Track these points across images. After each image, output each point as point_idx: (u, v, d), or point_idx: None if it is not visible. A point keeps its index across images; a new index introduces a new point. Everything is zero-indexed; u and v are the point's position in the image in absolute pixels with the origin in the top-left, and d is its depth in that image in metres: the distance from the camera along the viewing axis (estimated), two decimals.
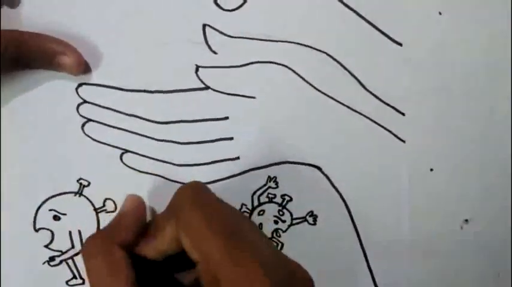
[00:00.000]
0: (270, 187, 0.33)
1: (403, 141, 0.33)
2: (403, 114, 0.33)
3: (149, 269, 0.26)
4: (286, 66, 0.32)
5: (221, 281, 0.23)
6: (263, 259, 0.23)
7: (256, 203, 0.33)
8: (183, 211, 0.25)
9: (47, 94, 0.31)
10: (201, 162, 0.32)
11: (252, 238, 0.25)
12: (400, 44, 0.32)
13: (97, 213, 0.32)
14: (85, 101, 0.32)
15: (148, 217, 0.31)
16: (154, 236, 0.26)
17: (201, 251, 0.24)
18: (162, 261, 0.26)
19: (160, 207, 0.31)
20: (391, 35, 0.32)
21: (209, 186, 0.31)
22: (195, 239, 0.24)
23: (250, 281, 0.23)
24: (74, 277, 0.32)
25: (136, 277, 0.25)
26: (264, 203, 0.33)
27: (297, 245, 0.33)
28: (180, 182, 0.32)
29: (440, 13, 0.32)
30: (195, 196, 0.25)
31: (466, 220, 0.33)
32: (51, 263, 0.32)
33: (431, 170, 0.33)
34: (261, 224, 0.33)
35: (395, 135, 0.33)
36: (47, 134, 0.31)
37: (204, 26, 0.32)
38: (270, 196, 0.33)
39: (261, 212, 0.33)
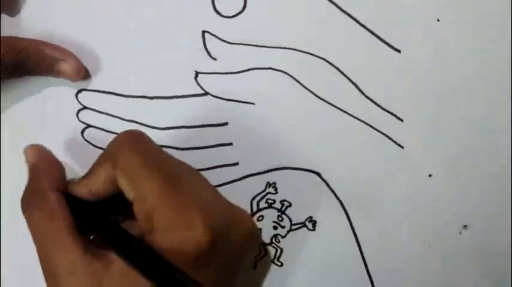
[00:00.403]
0: (269, 193, 0.33)
1: (402, 147, 0.33)
2: (401, 120, 0.33)
3: (89, 212, 0.26)
4: (285, 73, 0.32)
5: (155, 220, 0.23)
6: (200, 203, 0.24)
7: (255, 208, 0.33)
8: (121, 152, 0.25)
9: (47, 100, 0.32)
10: (200, 167, 0.32)
11: (192, 183, 0.25)
12: (399, 51, 0.32)
13: None
14: (85, 107, 0.32)
15: None
16: (89, 177, 0.26)
17: (137, 190, 0.24)
18: (102, 204, 0.26)
19: None
20: (390, 42, 0.32)
21: None
22: (132, 178, 0.24)
23: (186, 220, 0.23)
24: None
25: (77, 221, 0.25)
26: (263, 208, 0.33)
27: (296, 251, 0.33)
28: None
29: (438, 20, 0.32)
30: (134, 140, 0.26)
31: (465, 226, 0.33)
32: None
33: (430, 175, 0.33)
34: (260, 229, 0.33)
35: (394, 141, 0.33)
36: (47, 140, 0.31)
37: (204, 32, 0.32)
38: (269, 201, 0.33)
39: (260, 218, 0.33)
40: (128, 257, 0.24)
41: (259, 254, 0.33)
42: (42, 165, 0.28)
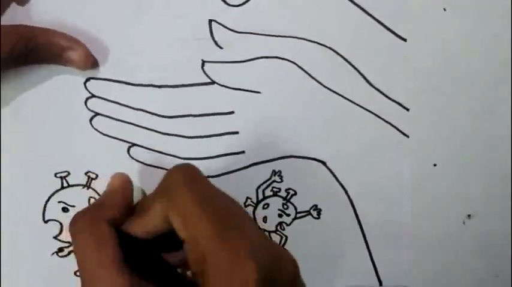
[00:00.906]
0: (274, 181, 0.33)
1: (407, 136, 0.33)
2: (407, 109, 0.33)
3: (138, 248, 0.26)
4: (291, 62, 0.32)
5: (207, 261, 0.23)
6: (251, 242, 0.24)
7: (261, 196, 0.33)
8: (174, 190, 0.25)
9: (56, 88, 0.32)
10: (207, 156, 0.33)
11: (241, 222, 0.25)
12: (405, 40, 0.32)
13: None
14: (93, 95, 0.32)
15: (139, 198, 0.32)
16: (144, 215, 0.26)
17: (190, 230, 0.24)
18: (150, 241, 0.26)
19: None
20: (396, 31, 0.32)
21: (215, 179, 0.32)
22: (185, 218, 0.24)
23: (237, 261, 0.23)
24: None
25: (124, 256, 0.25)
26: (269, 196, 0.33)
27: (300, 239, 0.33)
28: None
29: (444, 9, 0.32)
30: (187, 177, 0.26)
31: (469, 215, 0.33)
32: (60, 254, 0.32)
33: (435, 165, 0.33)
34: (265, 217, 0.33)
35: (400, 131, 0.33)
36: (56, 128, 0.32)
37: (210, 21, 0.32)
38: (274, 189, 0.33)
39: (266, 206, 0.33)
40: None
41: None
42: (116, 195, 0.28)
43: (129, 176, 0.30)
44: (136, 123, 0.32)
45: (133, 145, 0.32)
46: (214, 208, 0.24)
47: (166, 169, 0.31)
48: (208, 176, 0.32)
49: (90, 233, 0.26)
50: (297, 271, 0.25)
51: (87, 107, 0.32)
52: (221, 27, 0.32)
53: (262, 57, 0.32)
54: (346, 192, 0.33)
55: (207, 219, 0.24)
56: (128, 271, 0.25)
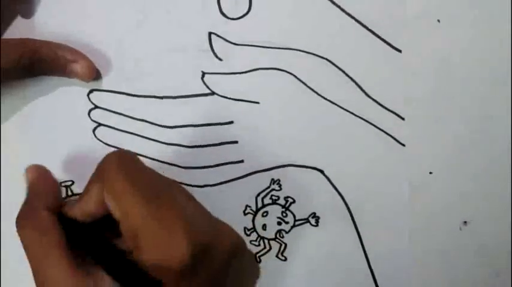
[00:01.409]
0: (273, 189, 0.33)
1: (403, 145, 0.33)
2: (403, 118, 0.33)
3: (82, 233, 0.27)
4: (289, 73, 0.33)
5: (139, 237, 0.24)
6: (182, 218, 0.24)
7: (260, 204, 0.33)
8: (108, 173, 0.26)
9: (59, 100, 0.32)
10: (207, 165, 0.33)
11: (178, 200, 0.26)
12: (400, 51, 0.33)
13: None
14: (96, 107, 0.33)
15: None
16: (82, 198, 0.27)
17: (123, 208, 0.25)
18: (94, 225, 0.27)
19: None
20: (391, 42, 0.33)
21: (215, 188, 0.33)
22: (118, 198, 0.25)
23: (168, 237, 0.24)
24: None
25: (69, 240, 0.26)
26: (268, 204, 0.33)
27: (299, 246, 0.33)
28: (187, 184, 0.33)
29: (438, 20, 0.32)
30: (121, 161, 0.26)
31: (465, 222, 0.34)
32: None
33: (431, 173, 0.33)
34: (264, 225, 0.33)
35: (396, 139, 0.33)
36: (60, 138, 0.33)
37: (210, 34, 0.32)
38: (273, 197, 0.33)
39: (265, 214, 0.33)
40: (114, 274, 0.25)
41: (263, 249, 0.34)
42: (39, 185, 0.29)
43: (42, 166, 0.30)
44: (138, 134, 0.33)
45: (136, 154, 0.33)
46: (146, 187, 0.25)
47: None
48: (208, 185, 0.33)
49: (32, 223, 0.26)
50: (235, 241, 0.26)
51: (90, 117, 0.33)
52: (220, 39, 0.33)
53: (260, 69, 0.33)
54: (343, 200, 0.33)
55: (138, 197, 0.24)
56: (73, 255, 0.26)
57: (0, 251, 0.33)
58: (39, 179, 0.29)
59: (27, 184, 0.29)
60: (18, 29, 0.32)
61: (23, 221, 0.27)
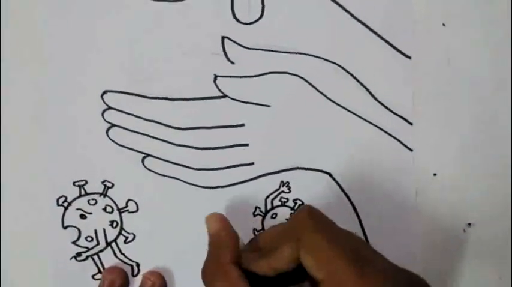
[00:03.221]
0: (282, 191, 0.34)
1: (411, 149, 0.34)
2: (411, 123, 0.34)
3: (263, 284, 0.27)
4: (299, 77, 0.33)
5: None
6: (385, 275, 0.24)
7: (269, 206, 0.34)
8: (305, 233, 0.26)
9: (74, 101, 0.33)
10: (218, 166, 0.34)
11: (373, 257, 0.26)
12: (409, 57, 0.33)
13: (120, 213, 0.33)
14: (110, 108, 0.33)
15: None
16: (273, 255, 0.27)
17: (326, 269, 0.25)
18: (273, 277, 0.27)
19: (178, 209, 0.34)
20: (400, 48, 0.33)
21: (225, 190, 0.33)
22: (319, 259, 0.25)
23: None
24: (99, 271, 0.33)
25: None
26: (277, 206, 0.34)
27: None
28: (197, 185, 0.33)
29: (444, 24, 0.33)
30: (314, 220, 0.27)
31: (469, 224, 0.34)
32: (78, 259, 0.33)
33: (435, 175, 0.34)
34: None
35: (403, 144, 0.34)
36: (74, 139, 0.33)
37: (223, 38, 0.33)
38: (282, 199, 0.34)
39: (274, 215, 0.34)
40: None
41: None
42: (223, 237, 0.29)
43: (222, 214, 0.31)
44: (151, 135, 0.33)
45: (148, 155, 0.33)
46: (346, 246, 0.25)
47: (179, 179, 0.33)
48: (219, 187, 0.34)
49: (223, 279, 0.27)
50: None
51: (103, 118, 0.33)
52: (233, 43, 0.33)
53: (272, 73, 0.33)
54: (351, 202, 0.34)
55: (342, 257, 0.24)
56: None
57: (0, 251, 0.33)
58: (223, 231, 0.30)
59: (210, 233, 0.30)
60: (28, 30, 0.33)
61: (212, 275, 0.27)
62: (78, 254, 0.33)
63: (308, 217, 0.27)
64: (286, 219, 0.34)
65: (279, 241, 0.27)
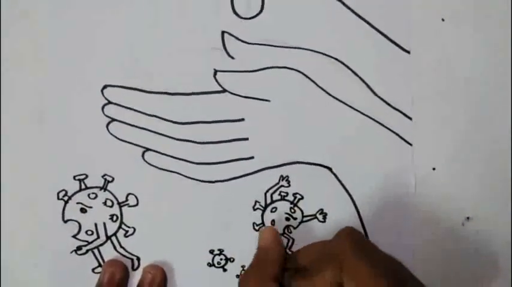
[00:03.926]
0: (282, 186, 0.34)
1: (410, 144, 0.34)
2: (410, 118, 0.34)
3: None
4: (299, 72, 0.33)
5: None
6: None
7: (269, 200, 0.34)
8: (347, 256, 0.26)
9: (74, 96, 0.33)
10: (218, 161, 0.34)
11: (408, 278, 0.26)
12: (408, 52, 0.33)
13: (120, 207, 0.34)
14: (110, 102, 0.33)
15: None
16: (313, 276, 0.27)
17: None
18: None
19: (177, 203, 0.34)
20: (400, 43, 0.33)
21: (225, 184, 0.34)
22: (362, 283, 0.25)
23: None
24: (99, 265, 0.33)
25: None
26: (277, 200, 0.34)
27: (307, 241, 0.33)
28: (197, 179, 0.33)
29: (443, 19, 0.33)
30: (357, 243, 0.27)
31: (468, 218, 0.34)
32: (78, 252, 0.33)
33: (434, 169, 0.34)
34: (273, 220, 0.34)
35: (403, 138, 0.34)
36: (74, 133, 0.33)
37: (223, 33, 0.33)
38: (282, 194, 0.34)
39: (274, 209, 0.34)
40: None
41: None
42: (271, 251, 0.30)
43: (276, 229, 0.32)
44: (151, 129, 0.33)
45: (148, 149, 0.34)
46: (387, 271, 0.25)
47: (179, 173, 0.33)
48: (219, 181, 0.34)
49: None
50: None
51: (104, 113, 0.33)
52: (233, 38, 0.33)
53: (271, 67, 0.33)
54: (350, 196, 0.34)
55: (383, 283, 0.25)
56: None
57: (0, 251, 0.33)
58: (272, 245, 0.30)
59: (259, 245, 0.30)
60: (28, 26, 0.33)
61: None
62: (79, 248, 0.34)
63: (350, 240, 0.27)
64: (286, 213, 0.34)
65: (320, 263, 0.27)
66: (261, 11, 0.33)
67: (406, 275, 0.27)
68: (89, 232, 0.34)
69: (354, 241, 0.27)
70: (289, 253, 0.33)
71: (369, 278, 0.25)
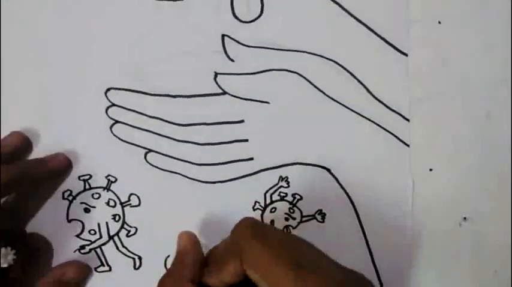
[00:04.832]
0: (281, 186, 0.34)
1: (408, 145, 0.34)
2: (407, 119, 0.34)
3: None
4: (298, 74, 0.34)
5: None
6: (325, 273, 0.25)
7: (268, 201, 0.34)
8: (246, 245, 0.26)
9: (79, 98, 0.34)
10: (218, 162, 0.34)
11: (312, 257, 0.26)
12: (406, 54, 0.34)
13: (123, 207, 0.34)
14: (113, 104, 0.34)
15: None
16: (220, 269, 0.28)
17: (270, 281, 0.25)
18: None
19: (178, 203, 0.34)
20: (397, 45, 0.34)
21: (225, 184, 0.34)
22: (263, 271, 0.25)
23: None
24: (102, 264, 0.34)
25: None
26: (276, 201, 0.34)
27: None
28: (198, 180, 0.34)
29: (439, 22, 0.34)
30: (254, 231, 0.27)
31: (465, 218, 0.35)
32: (82, 251, 0.34)
33: (431, 170, 0.34)
34: (273, 220, 0.34)
35: (400, 140, 0.34)
36: (79, 135, 0.34)
37: (223, 36, 0.34)
38: (281, 194, 0.34)
39: (273, 210, 0.34)
40: None
41: None
42: (188, 255, 0.30)
43: (194, 234, 0.32)
44: (153, 131, 0.34)
45: (150, 151, 0.34)
46: (286, 254, 0.26)
47: (180, 174, 0.34)
48: (219, 181, 0.34)
49: None
50: None
51: (107, 115, 0.34)
52: (233, 41, 0.34)
53: (271, 70, 0.34)
54: (349, 197, 0.34)
55: (283, 268, 0.25)
56: None
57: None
58: (190, 249, 0.30)
59: (177, 250, 0.31)
60: (31, 30, 0.34)
61: None
62: (82, 247, 0.34)
63: (246, 230, 0.27)
64: (285, 213, 0.35)
65: (224, 256, 0.28)
66: (260, 15, 0.34)
67: (308, 253, 0.27)
68: (92, 232, 0.34)
69: (252, 229, 0.27)
70: None
71: (269, 265, 0.25)
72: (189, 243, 0.31)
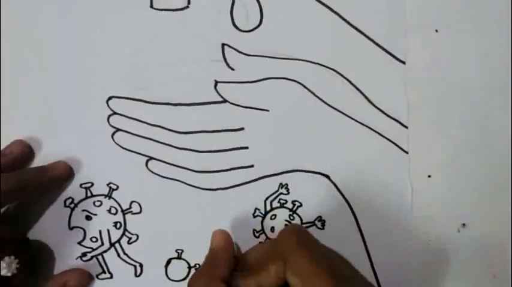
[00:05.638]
0: (281, 193, 0.35)
1: (406, 152, 0.34)
2: (406, 127, 0.34)
3: None
4: (297, 82, 0.34)
5: None
6: None
7: (268, 207, 0.35)
8: (291, 253, 0.27)
9: (80, 106, 0.34)
10: (219, 169, 0.34)
11: (347, 271, 0.27)
12: (404, 62, 0.34)
13: (124, 214, 0.34)
14: (115, 113, 0.34)
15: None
16: (259, 273, 0.28)
17: None
18: None
19: (179, 210, 0.35)
20: (395, 53, 0.34)
21: (226, 191, 0.34)
22: (305, 279, 0.26)
23: None
24: (103, 271, 0.34)
25: None
26: (276, 208, 0.35)
27: None
28: (198, 187, 0.34)
29: (436, 30, 0.34)
30: (300, 239, 0.28)
31: (463, 224, 0.35)
32: (83, 259, 0.34)
33: (429, 176, 0.34)
34: (273, 227, 0.34)
35: (399, 146, 0.34)
36: (81, 143, 0.34)
37: (223, 45, 0.34)
38: (281, 201, 0.35)
39: (273, 217, 0.35)
40: None
41: None
42: (222, 254, 0.30)
43: (228, 232, 0.32)
44: (154, 139, 0.34)
45: (151, 158, 0.34)
46: (329, 266, 0.26)
47: (181, 181, 0.34)
48: (220, 189, 0.34)
49: None
50: None
51: (109, 123, 0.34)
52: (233, 50, 0.34)
53: (270, 78, 0.34)
54: (348, 204, 0.34)
55: (325, 277, 0.25)
56: None
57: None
58: (223, 248, 0.31)
59: (211, 247, 0.31)
60: (32, 40, 0.34)
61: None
62: (84, 254, 0.34)
63: (293, 236, 0.28)
64: (285, 220, 0.35)
65: (266, 260, 0.28)
66: (259, 24, 0.34)
67: (346, 268, 0.27)
68: (94, 239, 0.34)
69: (298, 237, 0.28)
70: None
71: (312, 273, 0.26)
72: (222, 242, 0.31)
